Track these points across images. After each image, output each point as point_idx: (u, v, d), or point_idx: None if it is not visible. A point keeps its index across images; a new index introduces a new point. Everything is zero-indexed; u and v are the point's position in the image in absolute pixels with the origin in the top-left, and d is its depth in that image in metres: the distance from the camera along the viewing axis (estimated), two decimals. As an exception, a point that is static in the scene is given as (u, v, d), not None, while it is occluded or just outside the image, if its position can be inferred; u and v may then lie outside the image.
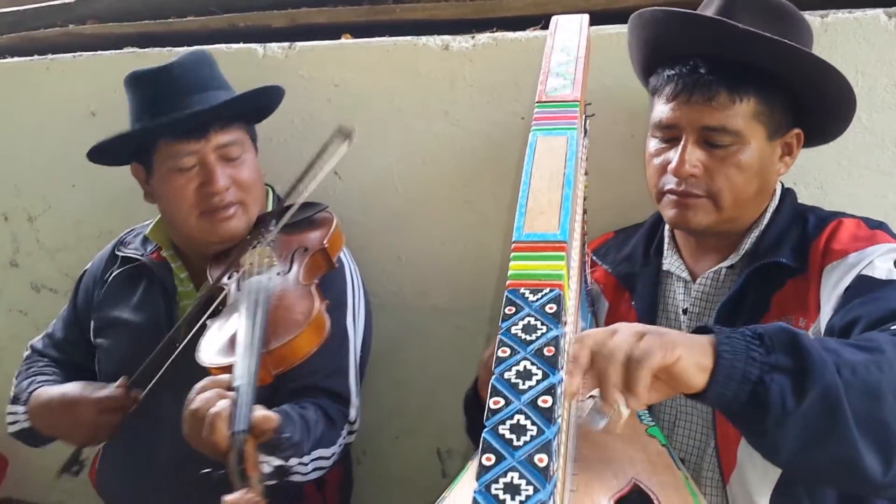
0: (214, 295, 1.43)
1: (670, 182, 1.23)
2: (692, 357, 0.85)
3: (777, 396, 0.86)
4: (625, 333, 0.86)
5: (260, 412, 1.14)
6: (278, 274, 1.41)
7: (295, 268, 1.42)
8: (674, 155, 1.21)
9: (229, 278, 1.45)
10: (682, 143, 1.20)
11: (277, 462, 1.19)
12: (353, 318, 1.54)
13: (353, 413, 1.50)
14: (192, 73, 1.51)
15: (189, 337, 1.39)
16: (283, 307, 1.32)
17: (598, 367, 0.83)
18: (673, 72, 1.22)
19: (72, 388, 1.49)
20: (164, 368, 1.40)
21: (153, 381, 1.41)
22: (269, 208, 1.64)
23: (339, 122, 1.79)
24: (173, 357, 1.39)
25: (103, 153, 1.56)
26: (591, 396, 0.90)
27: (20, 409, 1.57)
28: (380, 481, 1.97)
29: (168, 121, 1.46)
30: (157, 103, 1.50)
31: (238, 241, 1.52)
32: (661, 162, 1.25)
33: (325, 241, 1.46)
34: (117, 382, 1.45)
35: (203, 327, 1.37)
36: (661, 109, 1.24)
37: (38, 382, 1.57)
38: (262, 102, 1.60)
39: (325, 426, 1.40)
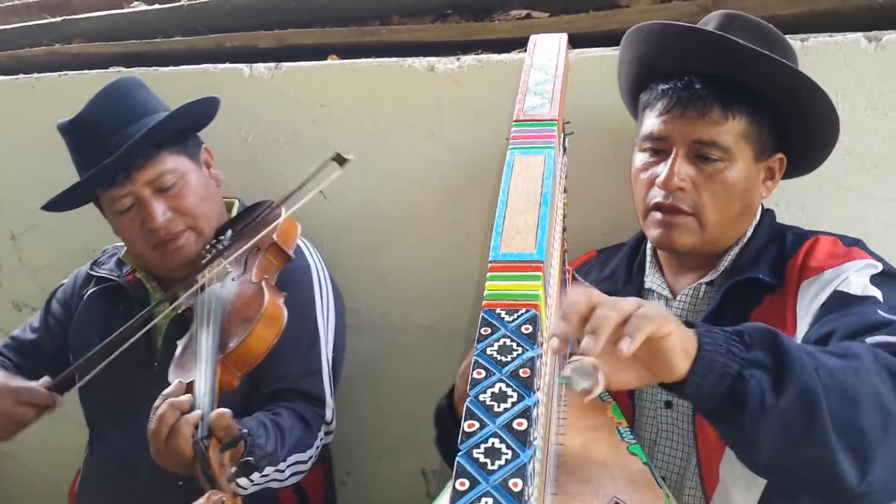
0: (160, 312, 1.45)
1: (657, 196, 1.23)
2: (680, 337, 0.87)
3: (756, 392, 0.86)
4: (630, 299, 0.87)
5: (212, 413, 1.15)
6: (233, 279, 1.41)
7: (249, 269, 1.42)
8: (662, 169, 1.22)
9: (193, 296, 1.44)
10: (671, 156, 1.21)
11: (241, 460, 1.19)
12: (323, 317, 1.53)
13: (328, 414, 1.50)
14: (106, 113, 1.49)
15: (122, 349, 1.39)
16: (236, 309, 1.33)
17: (600, 313, 0.83)
18: (667, 86, 1.23)
19: None
20: (88, 378, 1.40)
21: (75, 387, 1.42)
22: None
23: (325, 142, 1.82)
24: (101, 367, 1.39)
25: (58, 205, 1.57)
26: (571, 361, 0.90)
27: None
28: (364, 502, 1.96)
29: (85, 178, 1.47)
30: (81, 154, 1.51)
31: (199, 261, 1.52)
32: (648, 176, 1.25)
33: (274, 236, 1.44)
34: (40, 381, 1.44)
35: (173, 348, 1.38)
36: (653, 122, 1.24)
37: None
38: (183, 123, 1.55)
39: (301, 430, 1.40)
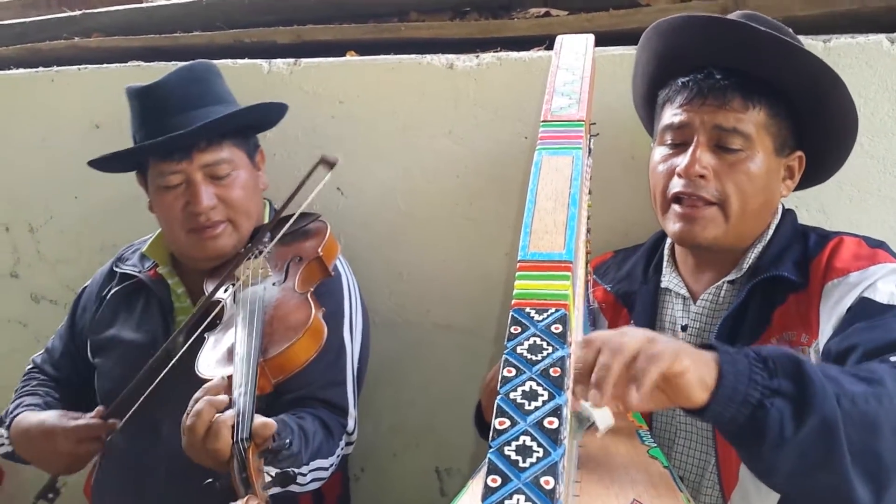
0: (209, 310, 1.43)
1: (677, 185, 1.22)
2: (698, 371, 0.86)
3: (776, 421, 0.86)
4: (636, 334, 0.87)
5: (259, 419, 1.15)
6: (274, 284, 1.42)
7: (290, 277, 1.42)
8: (682, 159, 1.21)
9: (225, 291, 1.45)
10: (692, 145, 1.21)
11: (279, 469, 1.19)
12: (350, 329, 1.54)
13: (350, 424, 1.50)
14: (182, 89, 1.51)
15: (177, 358, 1.37)
16: (280, 316, 1.33)
17: (603, 361, 0.84)
18: (687, 79, 1.23)
19: (49, 416, 1.47)
20: (145, 394, 1.37)
21: (133, 408, 1.38)
22: (267, 221, 1.63)
23: (343, 138, 1.82)
24: (157, 381, 1.36)
25: (104, 164, 1.58)
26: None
27: (4, 432, 1.55)
28: (378, 499, 1.96)
29: (149, 144, 1.48)
30: (146, 121, 1.52)
31: (229, 256, 1.52)
32: (667, 168, 1.25)
33: (319, 250, 1.45)
34: (94, 412, 1.44)
35: (199, 343, 1.37)
36: (674, 112, 1.24)
37: (24, 406, 1.56)
38: (253, 119, 1.59)
39: (323, 436, 1.40)
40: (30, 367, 1.71)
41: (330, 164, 1.44)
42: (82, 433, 1.41)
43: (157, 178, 1.51)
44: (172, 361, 1.37)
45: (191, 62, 1.59)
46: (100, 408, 1.44)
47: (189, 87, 1.51)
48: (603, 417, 0.86)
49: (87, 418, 1.43)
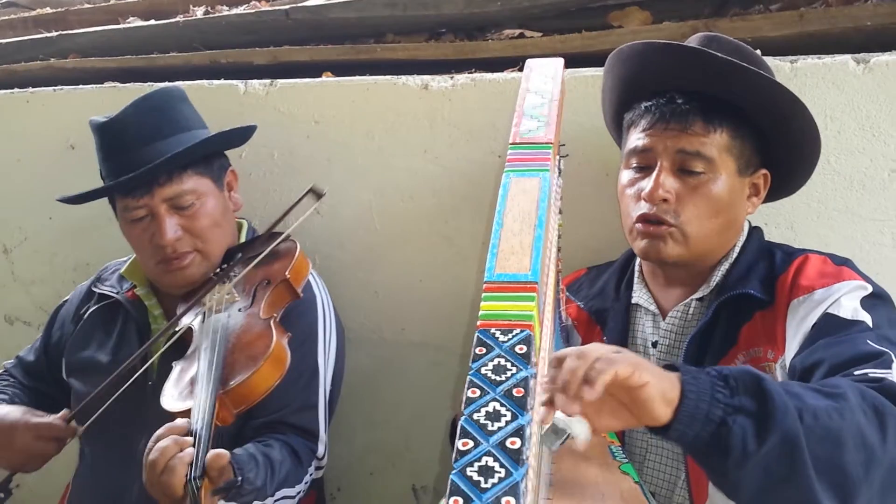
0: (176, 333, 1.43)
1: (642, 208, 1.24)
2: (660, 386, 0.87)
3: (738, 438, 0.87)
4: (601, 346, 0.88)
5: (210, 452, 1.13)
6: (239, 310, 1.40)
7: (257, 302, 1.40)
8: (647, 183, 1.23)
9: (195, 318, 1.44)
10: (656, 169, 1.23)
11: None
12: (324, 352, 1.53)
13: (321, 449, 1.49)
14: (140, 123, 1.49)
15: (136, 376, 1.38)
16: (242, 344, 1.31)
17: (568, 366, 0.85)
18: (650, 103, 1.25)
19: (13, 410, 1.46)
20: (106, 405, 1.37)
21: (95, 416, 1.38)
22: (243, 240, 1.63)
23: (318, 158, 1.83)
24: (118, 395, 1.37)
25: (73, 200, 1.58)
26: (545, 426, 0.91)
27: None
28: (354, 518, 1.96)
29: (106, 187, 1.49)
30: (107, 157, 1.51)
31: (200, 282, 1.51)
32: (634, 191, 1.27)
33: (287, 272, 1.43)
34: (59, 413, 1.43)
35: (169, 367, 1.37)
36: (638, 136, 1.26)
37: None
38: (213, 148, 1.56)
39: (292, 464, 1.39)
40: (1, 371, 1.71)
41: (318, 195, 1.46)
42: (43, 431, 1.41)
43: (123, 211, 1.51)
44: (135, 376, 1.38)
45: (150, 91, 1.57)
46: (65, 410, 1.44)
47: (147, 119, 1.49)
48: (580, 429, 0.87)
49: (51, 417, 1.42)
